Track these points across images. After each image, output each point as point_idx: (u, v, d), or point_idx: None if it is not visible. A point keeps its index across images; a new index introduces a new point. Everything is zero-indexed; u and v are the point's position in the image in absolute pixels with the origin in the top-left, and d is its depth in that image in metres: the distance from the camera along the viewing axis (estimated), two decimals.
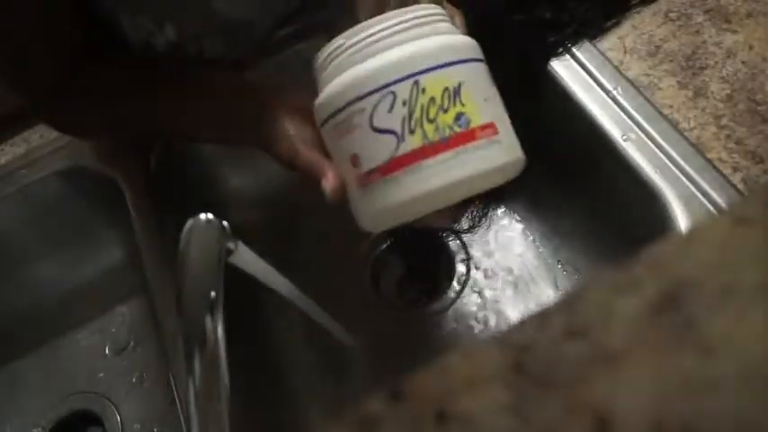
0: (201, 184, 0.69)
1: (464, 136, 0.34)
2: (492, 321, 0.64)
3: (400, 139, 0.34)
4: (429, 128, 0.34)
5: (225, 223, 0.36)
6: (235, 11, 0.48)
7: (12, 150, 0.68)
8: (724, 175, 0.48)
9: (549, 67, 0.54)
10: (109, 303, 0.73)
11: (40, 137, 0.68)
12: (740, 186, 0.47)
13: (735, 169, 0.48)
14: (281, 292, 0.43)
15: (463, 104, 0.35)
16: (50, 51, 0.46)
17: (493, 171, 0.36)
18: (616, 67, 0.55)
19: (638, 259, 0.15)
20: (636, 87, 0.54)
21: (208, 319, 0.34)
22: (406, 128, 0.34)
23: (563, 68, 0.56)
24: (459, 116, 0.34)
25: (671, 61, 0.55)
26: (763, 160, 0.48)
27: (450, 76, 0.35)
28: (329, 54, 0.38)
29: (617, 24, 0.42)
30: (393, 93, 0.34)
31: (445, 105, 0.34)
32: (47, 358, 0.71)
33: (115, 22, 0.46)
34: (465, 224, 0.66)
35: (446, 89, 0.34)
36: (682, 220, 0.48)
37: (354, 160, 0.36)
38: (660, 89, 0.54)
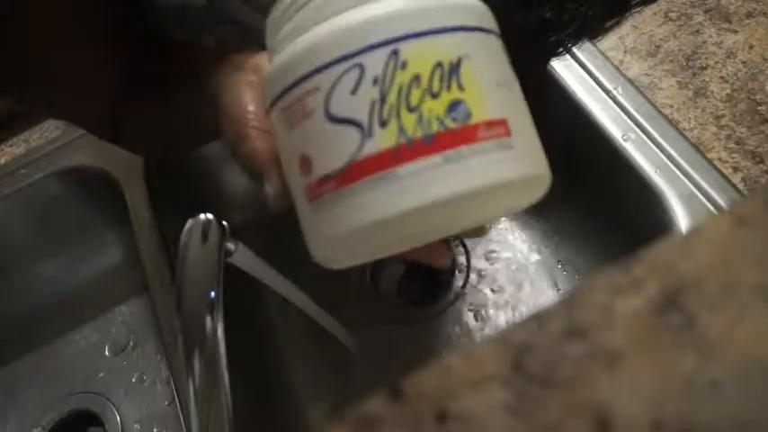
0: (201, 184, 0.69)
1: (460, 134, 0.24)
2: (492, 321, 0.64)
3: (366, 133, 0.23)
4: (408, 119, 0.23)
5: (225, 223, 0.36)
6: None
7: (11, 150, 0.68)
8: (724, 175, 0.48)
9: (549, 67, 0.54)
10: (109, 303, 0.73)
11: (39, 137, 0.68)
12: (740, 186, 0.47)
13: (735, 169, 0.48)
14: (281, 292, 0.43)
15: (462, 89, 0.24)
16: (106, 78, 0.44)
17: (499, 188, 0.24)
18: (616, 67, 0.55)
19: (638, 259, 0.15)
20: (636, 87, 0.54)
21: (208, 319, 0.34)
22: (375, 118, 0.23)
23: (563, 68, 0.56)
24: (454, 105, 0.24)
25: (671, 61, 0.55)
26: (763, 160, 0.48)
27: (447, 48, 0.24)
28: (284, 11, 0.27)
29: (617, 24, 0.42)
30: (360, 66, 0.24)
31: (435, 88, 0.24)
32: (47, 358, 0.71)
33: None
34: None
35: (438, 65, 0.24)
36: (682, 220, 0.48)
37: (304, 163, 0.25)
38: (660, 89, 0.54)
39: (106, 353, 0.70)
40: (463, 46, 0.25)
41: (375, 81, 0.24)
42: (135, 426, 0.65)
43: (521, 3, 0.40)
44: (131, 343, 0.71)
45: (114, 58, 0.45)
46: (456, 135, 0.23)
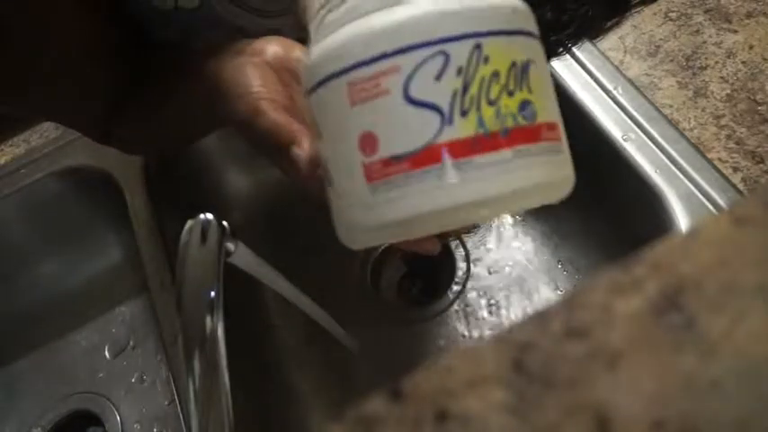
0: (201, 184, 0.69)
1: (528, 132, 0.25)
2: (492, 321, 0.64)
3: (446, 120, 0.24)
4: (488, 112, 0.24)
5: (225, 223, 0.36)
6: None
7: (12, 150, 0.68)
8: (724, 175, 0.48)
9: (549, 67, 0.54)
10: (109, 303, 0.73)
11: (39, 137, 0.68)
12: (740, 186, 0.47)
13: (735, 169, 0.48)
14: (281, 292, 0.43)
15: (530, 90, 0.25)
16: (102, 78, 0.45)
17: (550, 186, 0.27)
18: (616, 67, 0.55)
19: (638, 259, 0.15)
20: (636, 87, 0.54)
21: (208, 319, 0.34)
22: (456, 106, 0.24)
23: (563, 68, 0.56)
24: (525, 104, 0.25)
25: (671, 61, 0.55)
26: (763, 160, 0.48)
27: (521, 49, 0.26)
28: None
29: (617, 24, 0.42)
30: (445, 54, 0.24)
31: (511, 86, 0.25)
32: (47, 358, 0.71)
33: None
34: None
35: (513, 64, 0.25)
36: (682, 220, 0.48)
37: (367, 140, 0.25)
38: (660, 89, 0.54)
39: (106, 353, 0.70)
40: (531, 50, 0.26)
41: (459, 71, 0.24)
42: (135, 426, 0.65)
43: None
44: (131, 343, 0.71)
45: (105, 58, 0.45)
46: (526, 132, 0.25)
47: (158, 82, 0.46)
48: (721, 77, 0.53)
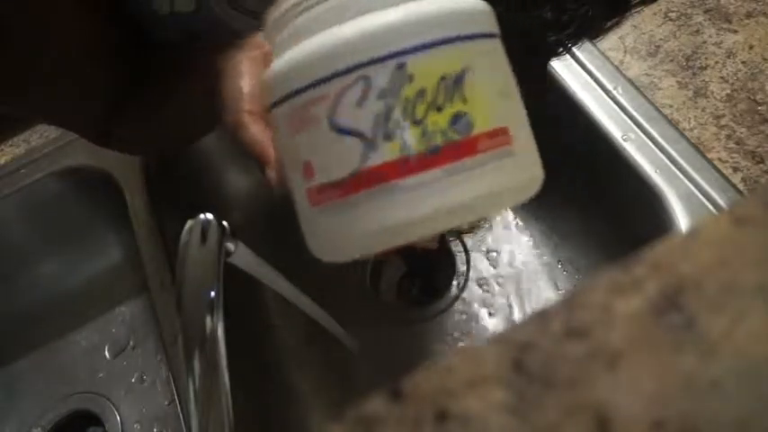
0: (201, 183, 0.69)
1: (462, 147, 0.24)
2: (492, 321, 0.64)
3: (370, 146, 0.24)
4: (413, 133, 0.24)
5: (225, 223, 0.36)
6: None
7: (12, 150, 0.68)
8: (724, 176, 0.48)
9: (549, 67, 0.54)
10: (109, 303, 0.73)
11: (39, 137, 0.68)
12: (740, 186, 0.47)
13: (735, 169, 0.48)
14: (281, 292, 0.43)
15: (465, 101, 0.24)
16: (101, 78, 0.45)
17: (498, 195, 0.26)
18: (616, 67, 0.55)
19: (638, 259, 0.15)
20: (636, 87, 0.54)
21: (208, 319, 0.34)
22: (380, 130, 0.24)
23: (563, 68, 0.56)
24: (457, 117, 0.24)
25: (671, 61, 0.55)
26: (763, 160, 0.48)
27: (452, 59, 0.24)
28: (286, 11, 0.27)
29: (617, 24, 0.42)
30: (366, 78, 0.24)
31: (439, 101, 0.24)
32: (47, 358, 0.71)
33: None
34: (465, 224, 0.66)
35: (443, 78, 0.24)
36: (682, 220, 0.48)
37: (307, 169, 0.26)
38: (660, 89, 0.54)
39: (106, 353, 0.70)
40: (466, 56, 0.25)
41: (381, 94, 0.24)
42: (135, 426, 0.65)
43: (521, 3, 0.40)
44: (131, 343, 0.71)
45: (105, 58, 0.45)
46: (458, 147, 0.24)
47: (158, 82, 0.46)
48: (721, 77, 0.53)
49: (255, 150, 0.33)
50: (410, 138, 0.24)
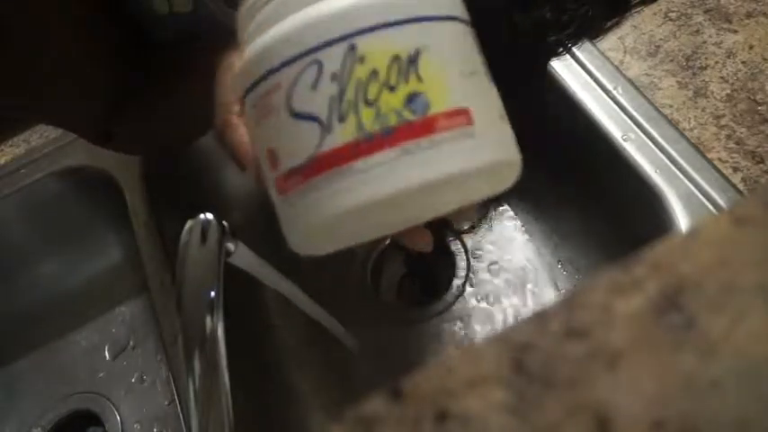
0: (201, 184, 0.69)
1: (417, 126, 0.24)
2: (492, 321, 0.64)
3: (326, 128, 0.24)
4: (367, 114, 0.24)
5: (225, 223, 0.36)
6: None
7: (12, 150, 0.68)
8: (724, 176, 0.48)
9: (549, 67, 0.54)
10: (109, 303, 0.73)
11: (39, 137, 0.68)
12: (740, 186, 0.47)
13: (735, 169, 0.48)
14: (281, 291, 0.43)
15: (421, 80, 0.24)
16: (101, 78, 0.45)
17: (461, 177, 0.25)
18: (616, 67, 0.55)
19: (638, 259, 0.15)
20: (636, 87, 0.54)
21: (208, 319, 0.34)
22: (334, 113, 0.24)
23: (563, 68, 0.56)
24: (412, 97, 0.24)
25: (671, 61, 0.55)
26: (763, 160, 0.48)
27: (405, 40, 0.24)
28: (251, 6, 0.27)
29: (617, 24, 0.42)
30: (318, 62, 0.24)
31: (392, 81, 0.24)
32: (47, 358, 0.71)
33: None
34: (465, 224, 0.66)
35: (396, 58, 0.24)
36: (682, 220, 0.48)
37: (271, 157, 0.26)
38: (660, 89, 0.54)
39: (106, 353, 0.70)
40: (422, 37, 0.25)
41: (333, 77, 0.24)
42: (135, 426, 0.65)
43: (521, 3, 0.40)
44: (131, 343, 0.71)
45: (105, 58, 0.45)
46: (414, 127, 0.24)
47: (158, 82, 0.46)
48: (721, 77, 0.53)
49: (240, 151, 0.33)
50: (363, 119, 0.24)
